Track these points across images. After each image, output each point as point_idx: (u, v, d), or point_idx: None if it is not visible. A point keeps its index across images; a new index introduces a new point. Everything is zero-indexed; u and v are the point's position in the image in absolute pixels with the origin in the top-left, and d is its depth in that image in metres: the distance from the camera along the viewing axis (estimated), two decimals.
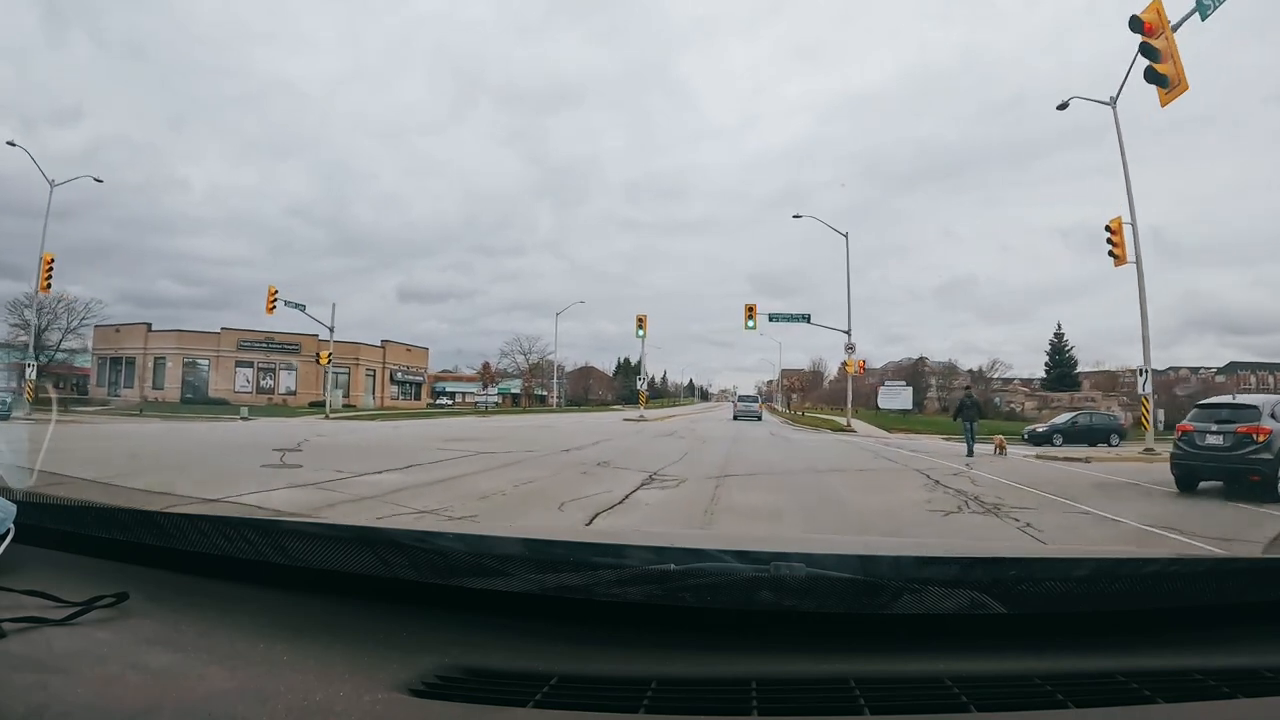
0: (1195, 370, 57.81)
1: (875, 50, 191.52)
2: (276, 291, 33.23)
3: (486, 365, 67.40)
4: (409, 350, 60.56)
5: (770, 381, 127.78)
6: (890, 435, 27.45)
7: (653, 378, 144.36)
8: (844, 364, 29.24)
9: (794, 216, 31.25)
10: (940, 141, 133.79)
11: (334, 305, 36.67)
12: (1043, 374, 57.07)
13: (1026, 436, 25.33)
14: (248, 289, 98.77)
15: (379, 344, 57.49)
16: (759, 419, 39.38)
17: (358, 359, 54.40)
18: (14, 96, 75.66)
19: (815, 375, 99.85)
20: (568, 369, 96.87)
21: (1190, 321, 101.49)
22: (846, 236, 30.83)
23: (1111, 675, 0.79)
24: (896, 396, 44.79)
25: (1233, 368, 56.71)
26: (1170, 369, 61.03)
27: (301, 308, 34.87)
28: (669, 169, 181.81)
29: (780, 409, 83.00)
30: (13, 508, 1.00)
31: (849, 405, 30.47)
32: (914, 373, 57.70)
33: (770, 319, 30.18)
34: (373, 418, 32.26)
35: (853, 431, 28.15)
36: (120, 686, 0.70)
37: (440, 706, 0.71)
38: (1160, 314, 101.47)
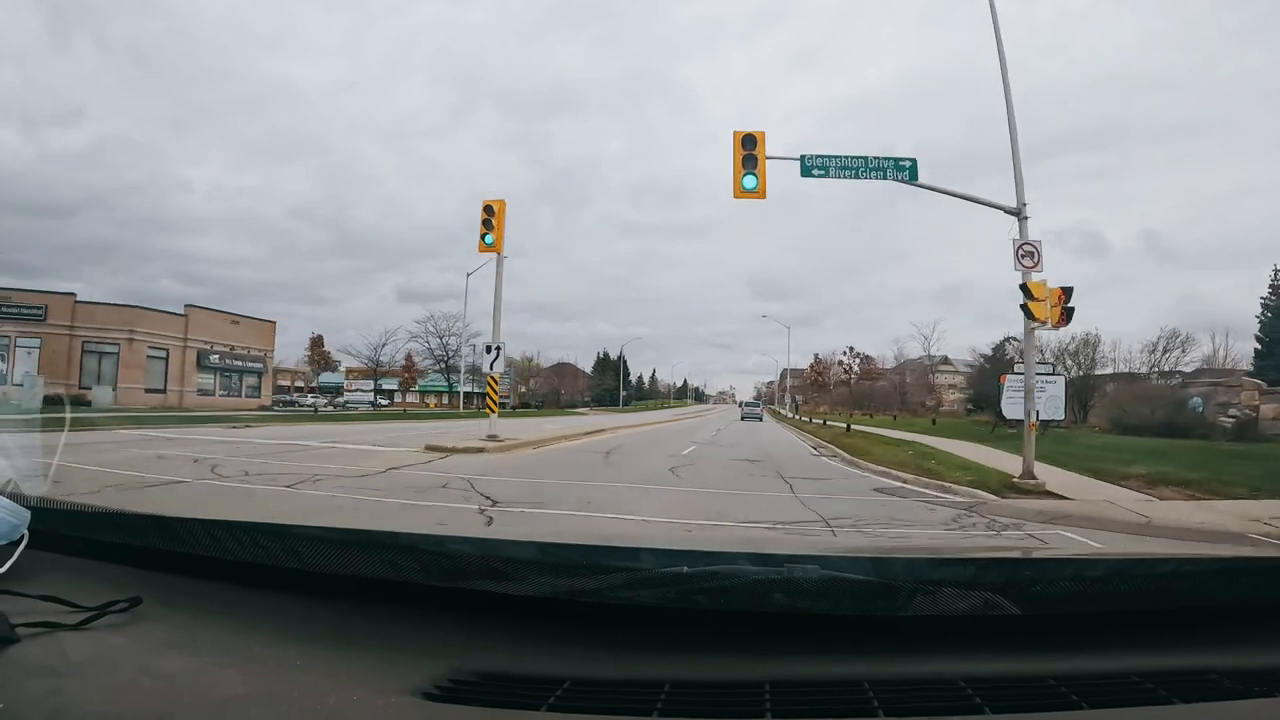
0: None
1: (875, 53, 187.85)
2: None
3: (318, 340, 46.92)
4: (236, 323, 39.77)
5: (771, 383, 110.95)
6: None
7: (640, 376, 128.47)
8: (1023, 294, 9.61)
9: None
10: (941, 143, 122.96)
11: None
12: (1252, 356, 34.02)
13: None
14: (251, 289, 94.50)
15: (181, 311, 36.91)
16: (760, 419, 45.55)
17: (133, 332, 33.85)
18: (18, 97, 72.95)
19: (820, 378, 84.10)
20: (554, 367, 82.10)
21: (1191, 326, 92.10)
22: (994, 10, 11.65)
23: (1127, 675, 0.79)
24: (1038, 397, 23.78)
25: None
26: (1198, 368, 46.65)
27: None
28: (670, 172, 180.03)
29: (788, 414, 63.30)
30: (26, 513, 0.99)
31: (1030, 415, 10.37)
32: (997, 361, 38.39)
33: (804, 170, 10.91)
34: None
35: (1071, 501, 8.79)
36: (134, 691, 0.71)
37: (453, 710, 0.71)
38: (1160, 317, 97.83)
